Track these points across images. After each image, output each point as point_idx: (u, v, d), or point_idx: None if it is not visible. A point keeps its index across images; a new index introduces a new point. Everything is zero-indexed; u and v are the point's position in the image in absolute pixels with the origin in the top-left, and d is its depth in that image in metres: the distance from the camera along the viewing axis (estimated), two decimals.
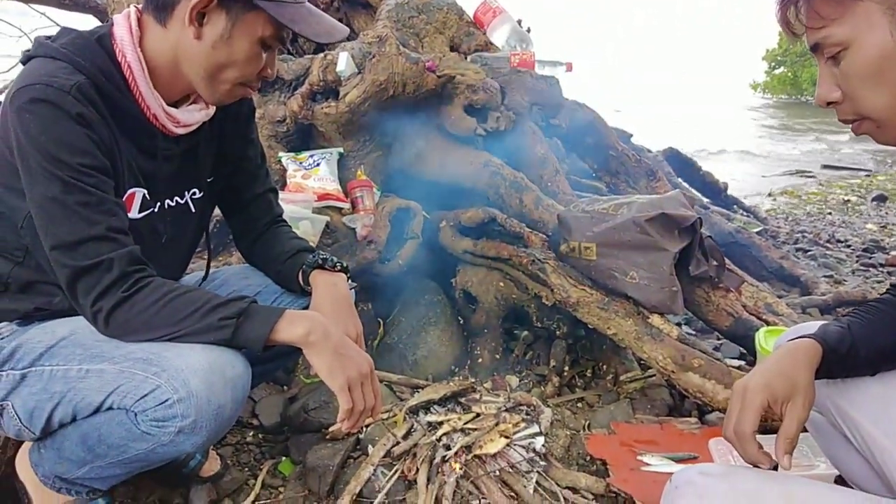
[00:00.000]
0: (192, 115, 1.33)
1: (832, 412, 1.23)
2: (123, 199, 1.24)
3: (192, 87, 1.28)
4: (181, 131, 1.32)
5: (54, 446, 1.26)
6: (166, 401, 1.12)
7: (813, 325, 1.23)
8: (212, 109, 1.37)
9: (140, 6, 1.25)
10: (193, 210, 1.46)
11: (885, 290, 1.25)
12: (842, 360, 1.12)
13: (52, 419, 1.22)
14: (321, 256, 1.49)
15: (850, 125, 1.00)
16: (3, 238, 1.25)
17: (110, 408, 1.18)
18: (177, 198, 1.40)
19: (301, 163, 2.41)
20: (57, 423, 1.23)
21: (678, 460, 1.74)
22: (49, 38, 1.21)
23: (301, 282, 1.48)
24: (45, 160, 1.09)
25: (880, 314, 1.18)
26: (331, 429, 1.80)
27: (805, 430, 1.31)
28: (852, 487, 1.27)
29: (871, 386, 1.17)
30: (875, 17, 0.87)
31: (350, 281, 1.55)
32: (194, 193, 1.45)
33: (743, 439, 1.01)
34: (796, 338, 1.15)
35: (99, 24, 3.13)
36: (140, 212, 1.30)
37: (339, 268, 1.50)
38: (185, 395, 1.12)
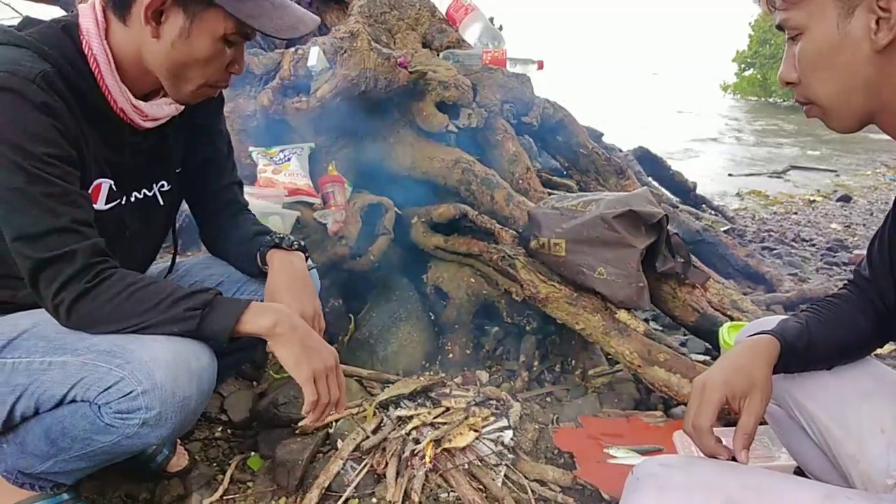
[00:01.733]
0: (161, 109, 1.30)
1: (790, 405, 1.26)
2: (89, 190, 1.23)
3: (159, 84, 1.26)
4: (149, 125, 1.30)
5: (17, 441, 1.25)
6: (130, 392, 1.12)
7: (773, 321, 1.26)
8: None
9: None
10: (162, 203, 1.45)
11: (841, 285, 1.29)
12: (799, 355, 1.15)
13: (15, 413, 1.20)
14: (278, 236, 1.49)
15: (804, 108, 1.02)
16: None
17: (73, 400, 1.17)
18: (144, 190, 1.39)
19: (272, 157, 2.40)
20: (19, 416, 1.21)
21: (643, 453, 1.77)
22: (13, 27, 1.18)
23: (259, 263, 1.48)
24: (8, 149, 1.07)
25: (837, 310, 1.21)
26: (299, 423, 1.80)
27: (765, 423, 1.36)
28: (810, 478, 1.30)
29: (827, 380, 1.21)
30: (827, 8, 0.90)
31: (309, 260, 1.55)
32: (162, 186, 1.44)
33: (701, 433, 1.04)
34: (755, 333, 1.18)
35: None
36: (106, 203, 1.28)
37: (296, 247, 1.50)
38: (149, 387, 1.12)
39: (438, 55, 2.81)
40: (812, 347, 1.16)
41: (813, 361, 1.19)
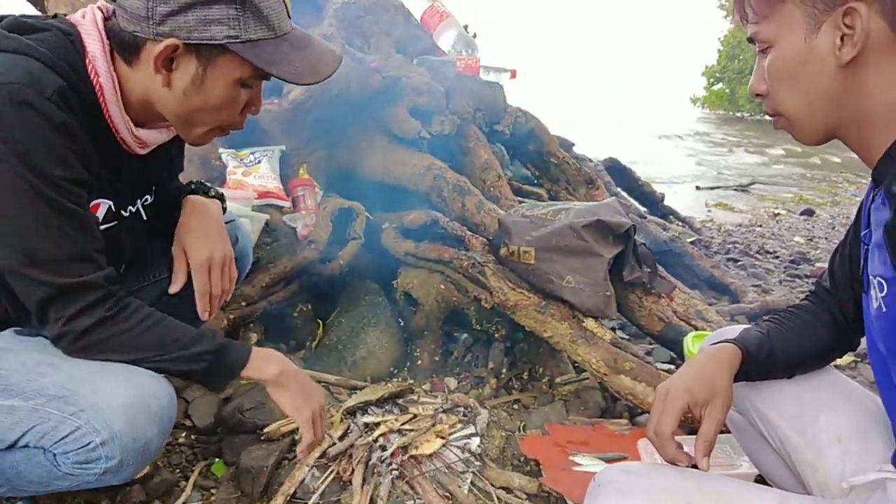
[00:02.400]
0: (158, 136, 1.27)
1: (751, 413, 1.28)
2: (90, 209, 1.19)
3: (166, 121, 1.21)
4: (143, 152, 1.26)
5: None
6: (88, 444, 1.08)
7: (735, 329, 1.28)
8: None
9: (103, 15, 1.13)
10: (145, 217, 1.40)
11: (803, 297, 1.32)
12: (760, 363, 1.17)
13: None
14: (194, 184, 1.48)
15: (772, 120, 1.04)
16: None
17: (26, 446, 1.11)
18: (130, 207, 1.34)
19: (242, 159, 2.38)
20: None
21: (608, 460, 1.78)
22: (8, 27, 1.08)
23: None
24: (26, 169, 1.00)
25: (798, 321, 1.24)
26: (297, 457, 1.70)
27: (727, 431, 1.38)
28: (770, 486, 1.33)
29: (786, 388, 1.23)
30: (796, 21, 0.92)
31: (225, 213, 1.53)
32: (146, 200, 1.40)
33: (662, 439, 1.06)
34: (718, 342, 1.21)
35: (34, 10, 3.01)
36: (104, 223, 1.24)
37: (213, 194, 1.49)
38: (108, 438, 1.08)
39: (412, 61, 2.82)
40: (772, 356, 1.18)
41: (773, 370, 1.21)
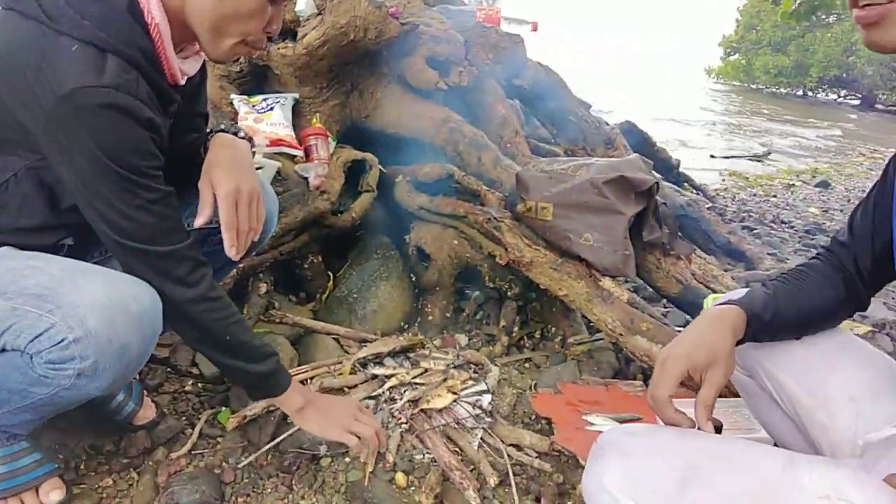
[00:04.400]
0: (194, 66, 1.33)
1: (760, 375, 1.25)
2: None
3: (194, 38, 1.24)
4: (182, 82, 1.29)
5: None
6: (62, 341, 1.05)
7: (745, 291, 1.25)
8: (202, 58, 1.36)
9: None
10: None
11: (813, 255, 1.28)
12: (766, 325, 1.15)
13: None
14: (225, 125, 1.48)
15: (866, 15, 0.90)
16: None
17: (4, 349, 1.09)
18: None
19: (254, 106, 2.31)
20: None
21: (622, 421, 1.75)
22: None
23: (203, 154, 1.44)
24: (115, 164, 1.08)
25: (806, 279, 1.21)
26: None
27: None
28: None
29: (796, 350, 1.21)
30: None
31: (254, 157, 1.55)
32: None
33: (659, 403, 1.03)
34: (723, 303, 1.17)
35: None
36: None
37: (242, 136, 1.48)
38: (81, 335, 1.05)
39: (432, 8, 2.72)
40: (779, 317, 1.15)
41: (781, 330, 1.19)
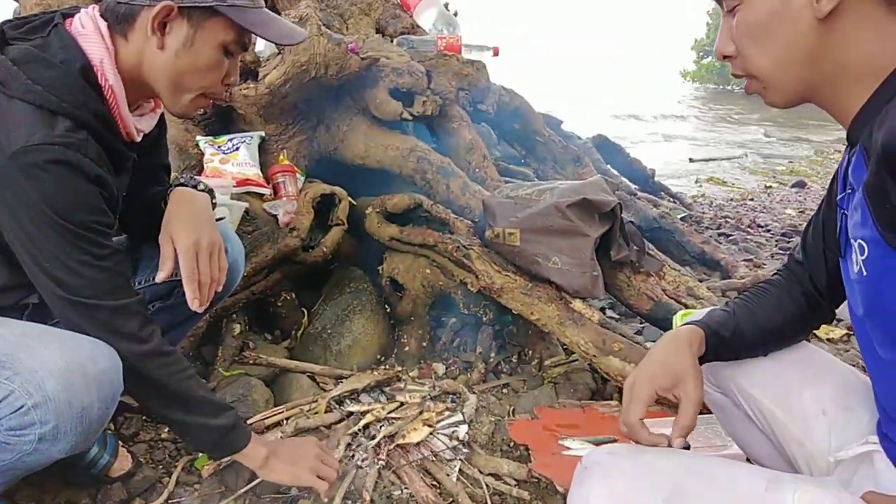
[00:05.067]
0: (150, 123, 1.37)
1: (735, 393, 1.26)
2: None
3: (151, 95, 1.29)
4: (139, 139, 1.32)
5: None
6: (21, 407, 1.05)
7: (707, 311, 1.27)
8: (157, 114, 1.40)
9: (98, 11, 1.22)
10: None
11: (773, 272, 1.30)
12: (726, 342, 1.17)
13: None
14: (183, 179, 1.51)
15: (744, 83, 0.99)
16: None
17: None
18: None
19: (219, 146, 2.32)
20: None
21: (598, 443, 1.75)
22: (9, 62, 1.11)
23: (163, 206, 1.45)
24: (60, 218, 1.10)
25: (766, 296, 1.23)
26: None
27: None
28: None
29: (768, 365, 1.22)
30: None
31: (214, 208, 1.54)
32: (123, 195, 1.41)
33: (633, 428, 1.05)
34: (683, 325, 1.19)
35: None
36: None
37: (202, 188, 1.50)
38: (40, 400, 1.06)
39: (392, 41, 2.75)
40: (739, 333, 1.17)
41: (744, 348, 1.20)
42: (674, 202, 4.32)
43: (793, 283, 1.22)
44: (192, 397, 1.30)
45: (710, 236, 3.67)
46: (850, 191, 0.92)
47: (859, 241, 0.87)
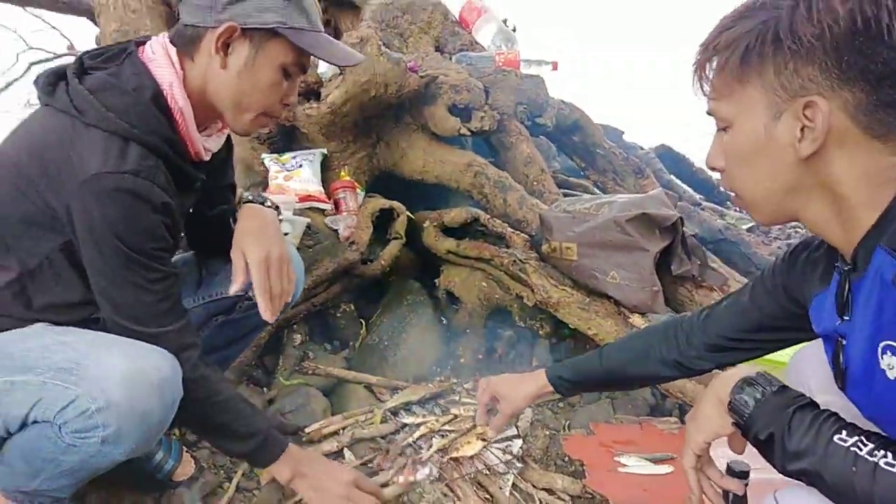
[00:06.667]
0: (218, 143, 1.43)
1: None
2: None
3: (217, 116, 1.34)
4: (207, 158, 1.39)
5: (3, 461, 1.25)
6: (86, 411, 1.11)
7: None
8: (225, 134, 1.46)
9: (168, 37, 1.28)
10: None
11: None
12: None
13: None
14: (252, 196, 1.55)
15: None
16: None
17: (35, 421, 1.17)
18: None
19: (283, 164, 2.40)
20: None
21: (656, 461, 1.73)
22: (86, 91, 1.18)
23: (233, 224, 1.51)
24: (122, 242, 1.16)
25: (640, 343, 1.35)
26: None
27: None
28: None
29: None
30: (756, 106, 0.85)
31: (291, 240, 1.63)
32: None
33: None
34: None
35: (93, 25, 3.11)
36: None
37: (269, 205, 1.55)
38: (104, 404, 1.11)
39: (451, 58, 2.79)
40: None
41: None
42: (740, 212, 4.19)
43: (670, 349, 1.28)
44: (213, 424, 1.36)
45: (779, 248, 3.54)
46: (847, 319, 0.90)
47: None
